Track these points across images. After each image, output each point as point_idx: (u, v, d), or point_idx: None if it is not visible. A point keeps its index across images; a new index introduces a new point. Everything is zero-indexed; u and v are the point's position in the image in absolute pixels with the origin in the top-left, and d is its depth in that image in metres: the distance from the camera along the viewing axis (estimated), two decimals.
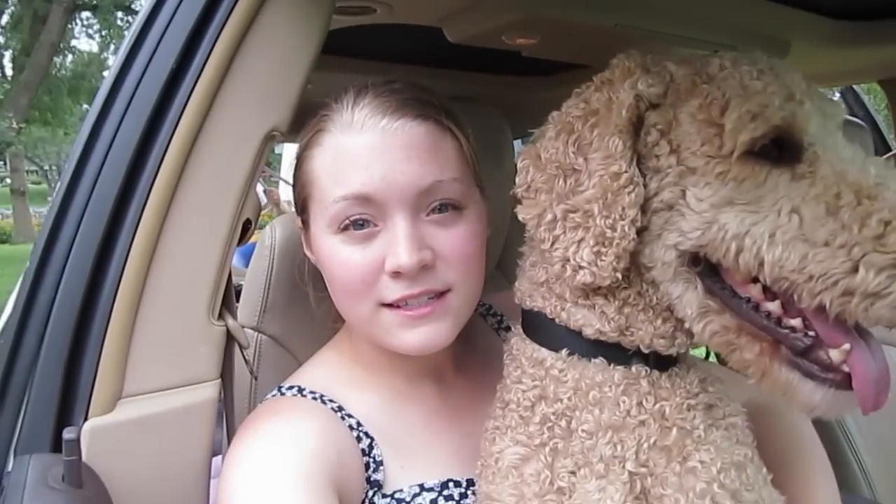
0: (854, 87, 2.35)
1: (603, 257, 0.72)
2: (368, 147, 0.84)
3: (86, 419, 0.75)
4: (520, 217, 0.80)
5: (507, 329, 1.09)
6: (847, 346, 0.67)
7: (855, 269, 0.61)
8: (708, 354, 0.94)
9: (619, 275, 0.73)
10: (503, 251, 1.37)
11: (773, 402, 0.96)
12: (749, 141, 0.68)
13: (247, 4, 0.79)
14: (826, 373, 0.68)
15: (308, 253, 0.98)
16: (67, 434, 0.69)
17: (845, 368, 0.67)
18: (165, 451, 0.80)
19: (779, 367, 0.70)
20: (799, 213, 0.66)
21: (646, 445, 0.74)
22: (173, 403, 0.80)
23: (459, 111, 0.94)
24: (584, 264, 0.73)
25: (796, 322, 0.69)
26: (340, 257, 0.86)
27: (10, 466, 0.72)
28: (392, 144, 0.84)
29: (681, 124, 0.73)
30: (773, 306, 0.70)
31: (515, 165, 0.83)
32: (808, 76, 1.72)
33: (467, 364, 1.04)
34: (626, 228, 0.72)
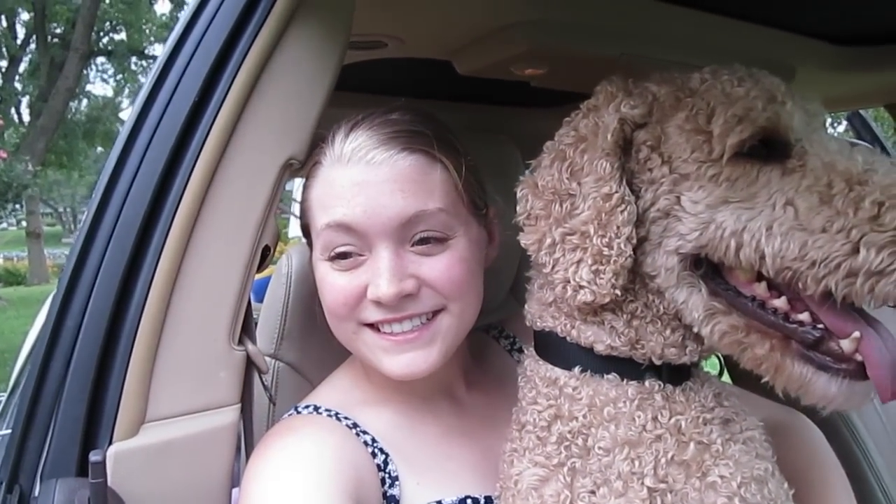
0: (861, 112, 2.37)
1: (602, 275, 0.75)
2: (353, 182, 0.87)
3: (110, 443, 0.76)
4: (522, 244, 0.82)
5: (521, 350, 1.11)
6: (857, 333, 0.67)
7: (856, 251, 0.63)
8: (721, 372, 0.94)
9: (618, 291, 0.75)
10: (516, 277, 1.38)
11: (788, 420, 0.96)
12: (737, 143, 0.71)
13: (265, 40, 0.82)
14: (839, 363, 0.68)
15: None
16: (94, 456, 0.70)
17: (858, 357, 0.68)
18: (187, 474, 0.81)
19: (791, 362, 0.70)
20: (793, 205, 0.67)
21: (663, 460, 0.75)
22: (195, 428, 0.81)
23: (457, 141, 0.96)
24: (584, 283, 0.75)
25: (804, 316, 0.70)
26: (328, 280, 0.90)
27: (37, 491, 0.73)
28: (376, 179, 0.86)
29: (669, 137, 0.75)
30: (780, 302, 0.71)
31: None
32: None
33: (481, 383, 1.05)
34: (623, 246, 0.74)
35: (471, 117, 1.72)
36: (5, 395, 1.97)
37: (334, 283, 0.90)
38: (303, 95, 0.86)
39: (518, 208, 0.83)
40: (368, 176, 0.86)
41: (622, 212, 0.74)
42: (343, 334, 0.93)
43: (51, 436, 0.75)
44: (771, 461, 0.80)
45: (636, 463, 0.75)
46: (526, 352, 0.90)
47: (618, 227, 0.74)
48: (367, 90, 1.43)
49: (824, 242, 0.64)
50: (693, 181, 0.73)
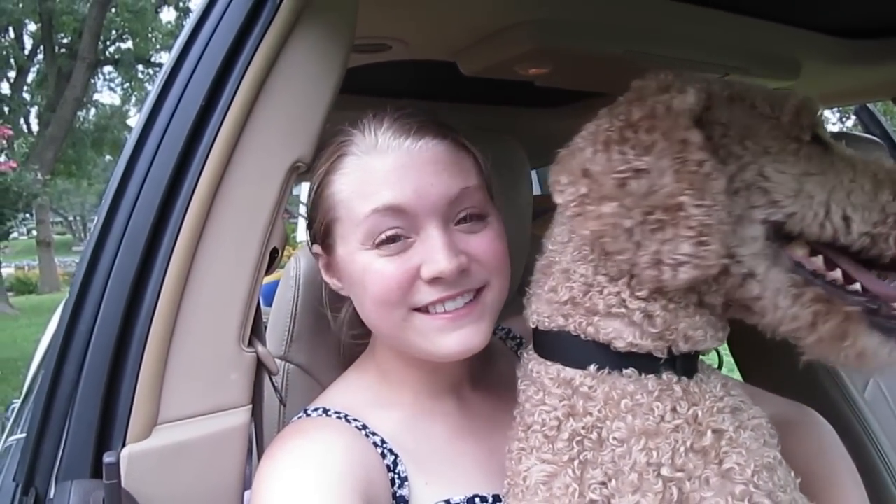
0: (869, 106, 2.37)
1: (707, 247, 0.72)
2: (397, 166, 0.88)
3: (123, 446, 0.77)
4: (583, 231, 0.78)
5: None
6: None
7: None
8: (720, 365, 0.94)
9: (725, 260, 0.74)
10: (524, 276, 1.38)
11: (798, 415, 0.96)
12: (811, 126, 0.79)
13: (270, 44, 0.83)
14: None
15: (327, 278, 1.00)
16: (108, 458, 0.71)
17: None
18: (199, 475, 0.82)
19: (862, 329, 0.74)
20: (858, 182, 0.75)
21: (682, 449, 0.74)
22: (207, 429, 0.82)
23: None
24: (685, 259, 0.72)
25: (857, 287, 0.75)
26: (375, 268, 0.88)
27: (52, 493, 0.74)
28: (419, 161, 0.88)
29: (738, 119, 0.79)
30: (837, 274, 0.76)
31: (531, 191, 0.85)
32: (824, 96, 1.76)
33: (489, 383, 1.05)
34: (722, 214, 0.73)
35: (475, 118, 1.73)
36: (18, 402, 1.98)
37: (383, 271, 0.88)
38: (308, 98, 0.87)
39: (562, 196, 0.79)
40: (411, 159, 0.88)
41: (715, 180, 0.73)
42: (390, 324, 0.91)
43: (65, 438, 0.76)
44: (776, 449, 0.80)
45: (654, 454, 0.74)
46: (527, 354, 0.89)
47: (714, 195, 0.72)
48: (371, 93, 1.44)
49: None
50: (777, 154, 0.78)
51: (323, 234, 0.96)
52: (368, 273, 0.89)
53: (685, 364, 0.80)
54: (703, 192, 0.72)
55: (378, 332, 0.96)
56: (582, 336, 0.81)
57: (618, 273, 0.79)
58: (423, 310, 0.89)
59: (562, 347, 0.83)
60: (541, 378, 0.84)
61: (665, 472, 0.73)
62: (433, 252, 0.86)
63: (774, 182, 0.76)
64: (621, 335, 0.78)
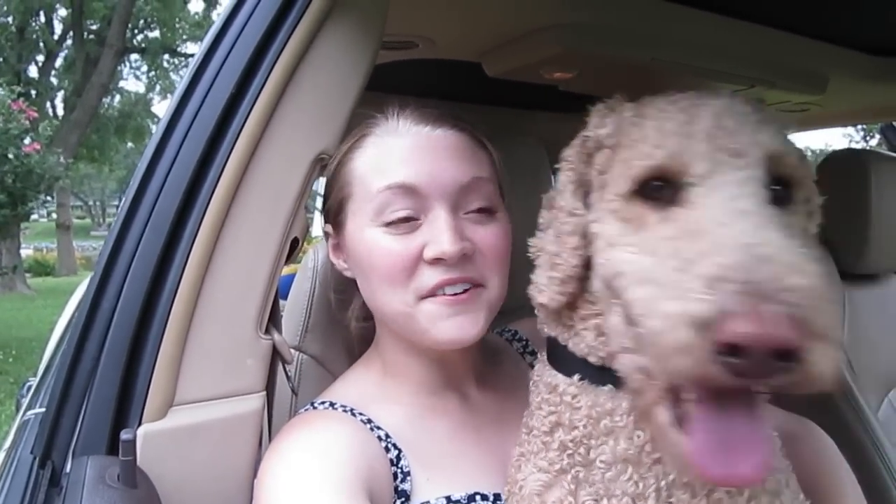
0: (895, 124, 2.34)
1: (555, 285, 0.78)
2: (413, 147, 0.91)
3: (139, 424, 0.78)
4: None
5: (533, 353, 1.12)
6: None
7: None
8: None
9: (564, 298, 0.77)
10: None
11: (798, 429, 0.96)
12: (634, 180, 0.68)
13: (302, 35, 0.84)
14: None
15: (334, 259, 1.01)
16: (125, 435, 0.72)
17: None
18: (213, 458, 0.83)
19: None
20: (656, 255, 0.62)
21: (664, 483, 0.71)
22: (221, 413, 0.83)
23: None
24: (542, 287, 0.79)
25: None
26: (381, 245, 0.89)
27: (68, 467, 0.76)
28: (436, 146, 0.91)
29: (614, 165, 0.73)
30: None
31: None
32: (849, 112, 1.73)
33: (493, 383, 1.05)
34: (568, 256, 0.76)
35: (497, 120, 1.73)
36: (33, 379, 2.01)
37: (390, 248, 0.89)
38: (336, 91, 0.88)
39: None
40: (428, 143, 0.92)
41: (564, 224, 0.78)
42: (395, 307, 0.91)
43: (83, 414, 0.77)
44: (785, 472, 0.78)
45: (640, 485, 0.72)
46: (539, 356, 0.89)
47: (564, 237, 0.78)
48: (395, 91, 1.45)
49: (671, 296, 0.57)
50: (607, 213, 0.72)
51: (335, 211, 0.98)
52: (375, 250, 0.90)
53: None
54: (558, 233, 0.79)
55: (382, 315, 0.96)
56: (568, 346, 0.80)
57: None
58: (429, 297, 0.89)
59: (555, 354, 0.84)
60: (539, 381, 0.85)
61: (652, 503, 0.71)
62: (438, 233, 0.87)
63: (596, 243, 0.78)
64: (595, 352, 0.77)
